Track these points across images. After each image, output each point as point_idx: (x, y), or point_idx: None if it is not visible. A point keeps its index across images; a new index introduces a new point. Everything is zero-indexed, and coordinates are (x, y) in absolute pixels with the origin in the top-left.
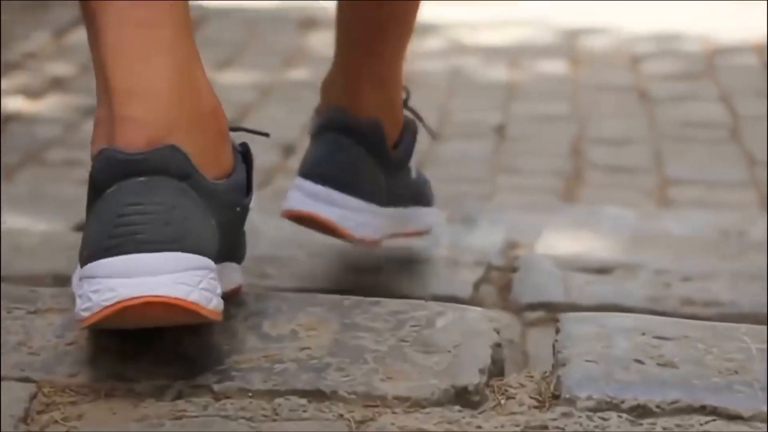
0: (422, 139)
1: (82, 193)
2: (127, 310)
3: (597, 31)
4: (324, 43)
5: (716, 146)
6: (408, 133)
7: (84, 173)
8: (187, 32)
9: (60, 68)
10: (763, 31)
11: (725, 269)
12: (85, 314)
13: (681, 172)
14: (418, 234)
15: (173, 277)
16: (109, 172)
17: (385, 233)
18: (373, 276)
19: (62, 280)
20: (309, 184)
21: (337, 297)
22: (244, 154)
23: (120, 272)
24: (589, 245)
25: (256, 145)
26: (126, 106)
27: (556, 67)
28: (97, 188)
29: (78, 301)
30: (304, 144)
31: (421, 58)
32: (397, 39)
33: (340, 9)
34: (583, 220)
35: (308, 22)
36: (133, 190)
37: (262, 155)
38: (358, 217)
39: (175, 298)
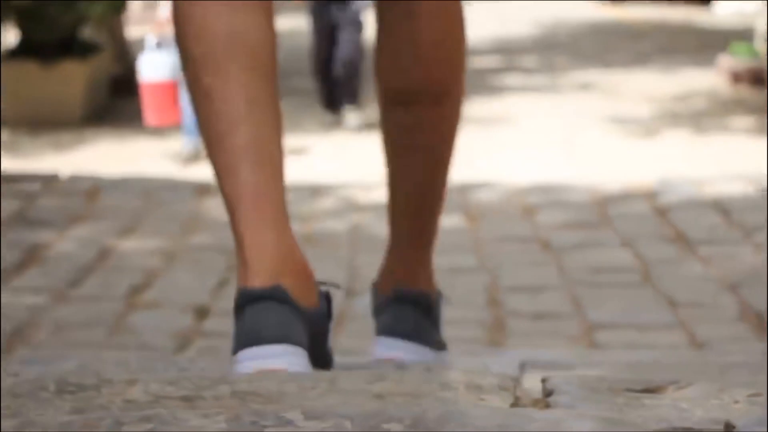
0: (336, 296)
1: None
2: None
3: (486, 185)
4: (221, 208)
5: (632, 290)
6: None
7: None
8: (284, 202)
9: None
10: (650, 177)
11: None
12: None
13: (604, 317)
14: None
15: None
16: (242, 301)
17: None
18: None
19: None
20: (390, 340)
21: None
22: (326, 294)
23: (251, 357)
24: None
25: (167, 310)
26: (253, 260)
27: (452, 221)
28: (237, 308)
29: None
30: (217, 306)
31: (319, 217)
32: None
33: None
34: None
35: (203, 189)
36: (256, 310)
37: (176, 319)
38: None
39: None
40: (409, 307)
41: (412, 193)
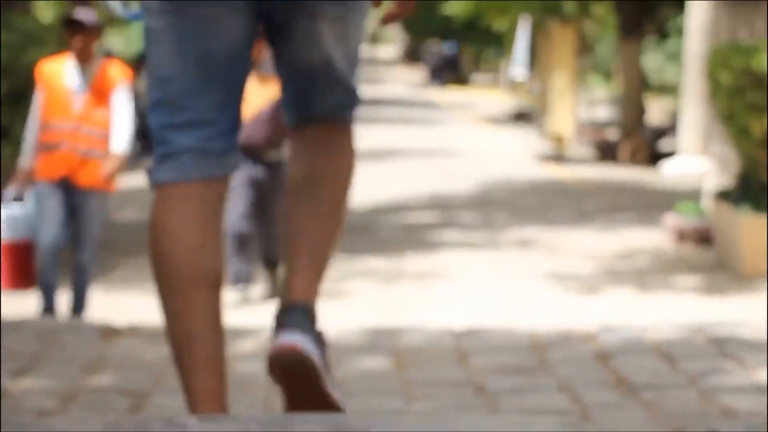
0: None
1: None
2: None
3: (416, 329)
4: (128, 349)
5: None
6: None
7: None
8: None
9: None
10: (592, 320)
11: None
12: None
13: None
14: None
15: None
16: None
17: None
18: None
19: None
20: (288, 332)
21: None
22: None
23: None
24: None
25: None
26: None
27: (379, 363)
28: None
29: None
30: None
31: (239, 360)
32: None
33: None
34: None
35: (109, 332)
36: None
37: None
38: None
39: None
40: (301, 311)
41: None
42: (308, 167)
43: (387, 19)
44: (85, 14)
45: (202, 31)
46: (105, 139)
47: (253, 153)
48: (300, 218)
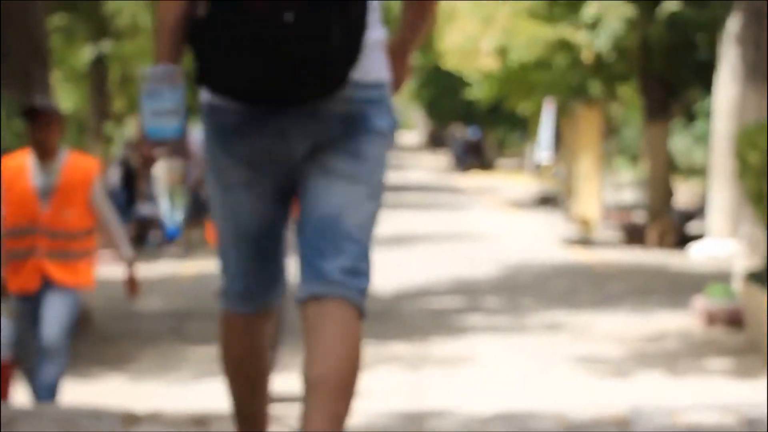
0: None
1: None
2: None
3: (443, 413)
4: None
5: None
6: None
7: None
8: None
9: None
10: (623, 403)
11: None
12: None
13: None
14: None
15: None
16: None
17: None
18: None
19: None
20: None
21: None
22: None
23: None
24: None
25: None
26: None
27: None
28: None
29: None
30: None
31: None
32: None
33: None
34: None
35: (130, 419)
36: None
37: None
38: None
39: None
40: None
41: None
42: (321, 365)
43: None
44: (44, 102)
45: (236, 212)
46: (79, 238)
47: None
48: (313, 412)
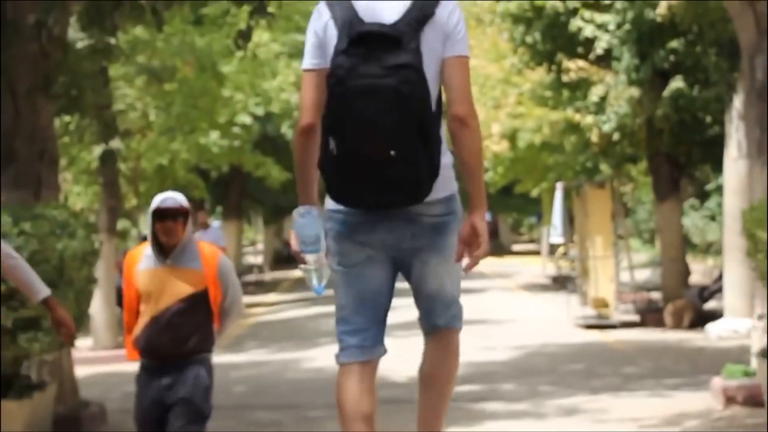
0: None
1: None
2: None
3: None
4: None
5: None
6: None
7: None
8: None
9: None
10: None
11: None
12: None
13: None
14: None
15: None
16: None
17: None
18: None
19: None
20: None
21: None
22: None
23: None
24: None
25: None
26: None
27: None
28: None
29: None
30: None
31: None
32: None
33: None
34: None
35: None
36: None
37: None
38: None
39: None
40: None
41: None
42: (432, 367)
43: (467, 269)
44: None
45: (359, 281)
46: None
47: (156, 358)
48: (423, 403)
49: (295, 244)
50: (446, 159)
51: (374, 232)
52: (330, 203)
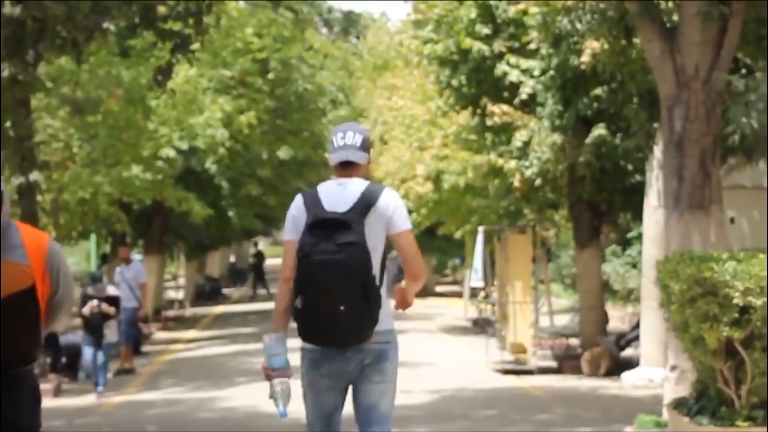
0: None
1: None
2: None
3: None
4: None
5: None
6: None
7: None
8: None
9: None
10: None
11: None
12: None
13: None
14: None
15: None
16: None
17: None
18: None
19: None
20: None
21: None
22: None
23: None
24: None
25: None
26: None
27: None
28: None
29: None
30: None
31: None
32: None
33: None
34: None
35: None
36: None
37: None
38: None
39: None
40: None
41: None
42: None
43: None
44: None
45: (321, 405)
46: None
47: None
48: None
49: (264, 362)
50: (386, 305)
51: (333, 363)
52: (302, 343)
